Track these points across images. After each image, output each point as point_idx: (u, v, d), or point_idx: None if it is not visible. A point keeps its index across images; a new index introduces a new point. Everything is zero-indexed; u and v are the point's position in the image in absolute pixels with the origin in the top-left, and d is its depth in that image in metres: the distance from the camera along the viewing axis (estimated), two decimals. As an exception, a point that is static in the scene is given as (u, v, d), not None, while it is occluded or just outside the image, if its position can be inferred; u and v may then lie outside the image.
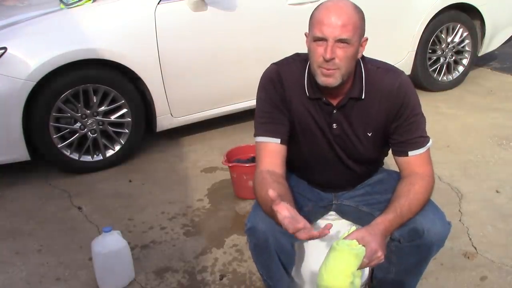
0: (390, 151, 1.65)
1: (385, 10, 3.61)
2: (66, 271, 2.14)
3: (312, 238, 1.28)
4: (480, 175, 2.82)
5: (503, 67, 4.77)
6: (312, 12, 1.47)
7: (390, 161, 1.69)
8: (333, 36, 1.39)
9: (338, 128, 1.57)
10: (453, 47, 4.08)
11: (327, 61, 1.41)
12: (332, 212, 1.76)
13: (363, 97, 1.53)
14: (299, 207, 1.59)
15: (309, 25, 1.47)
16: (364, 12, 1.48)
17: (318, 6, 1.46)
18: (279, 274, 1.56)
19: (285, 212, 1.29)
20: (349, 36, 1.39)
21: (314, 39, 1.43)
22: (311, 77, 1.52)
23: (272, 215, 1.37)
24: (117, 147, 3.05)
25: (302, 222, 1.27)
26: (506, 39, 4.41)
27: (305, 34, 1.51)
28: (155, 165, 3.10)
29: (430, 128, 1.61)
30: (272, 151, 1.55)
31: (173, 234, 2.38)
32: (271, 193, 1.29)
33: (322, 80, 1.46)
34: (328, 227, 1.28)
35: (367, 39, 1.49)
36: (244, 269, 2.11)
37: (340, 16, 1.39)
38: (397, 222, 1.43)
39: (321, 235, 1.27)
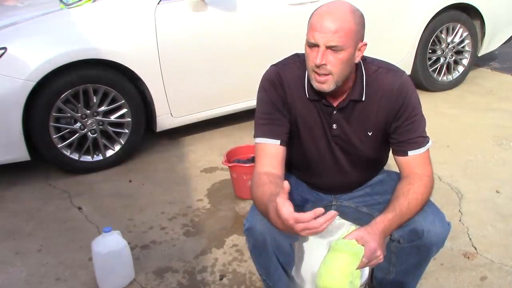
0: (390, 152, 1.65)
1: (385, 10, 3.62)
2: (66, 271, 2.14)
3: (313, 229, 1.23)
4: (480, 175, 2.82)
5: (503, 67, 4.77)
6: (310, 15, 1.46)
7: (390, 162, 1.69)
8: (324, 42, 1.38)
9: (338, 129, 1.57)
10: (453, 47, 4.08)
11: (318, 66, 1.41)
12: (332, 213, 1.76)
13: (363, 99, 1.53)
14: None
15: (307, 28, 1.47)
16: (364, 12, 1.47)
17: (315, 10, 1.46)
18: (278, 274, 1.56)
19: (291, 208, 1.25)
20: (339, 43, 1.38)
21: (308, 44, 1.43)
22: None
23: (267, 216, 1.36)
24: (117, 147, 3.05)
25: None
26: (506, 39, 4.41)
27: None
28: (155, 165, 3.10)
29: (430, 128, 1.61)
30: (271, 152, 1.54)
31: (173, 234, 2.38)
32: (286, 184, 1.26)
33: (316, 85, 1.47)
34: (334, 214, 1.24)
35: (365, 44, 1.47)
36: (244, 269, 2.11)
37: (333, 22, 1.37)
38: (397, 222, 1.43)
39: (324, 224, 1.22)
